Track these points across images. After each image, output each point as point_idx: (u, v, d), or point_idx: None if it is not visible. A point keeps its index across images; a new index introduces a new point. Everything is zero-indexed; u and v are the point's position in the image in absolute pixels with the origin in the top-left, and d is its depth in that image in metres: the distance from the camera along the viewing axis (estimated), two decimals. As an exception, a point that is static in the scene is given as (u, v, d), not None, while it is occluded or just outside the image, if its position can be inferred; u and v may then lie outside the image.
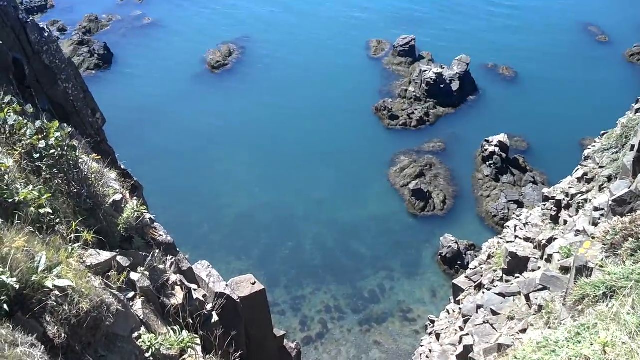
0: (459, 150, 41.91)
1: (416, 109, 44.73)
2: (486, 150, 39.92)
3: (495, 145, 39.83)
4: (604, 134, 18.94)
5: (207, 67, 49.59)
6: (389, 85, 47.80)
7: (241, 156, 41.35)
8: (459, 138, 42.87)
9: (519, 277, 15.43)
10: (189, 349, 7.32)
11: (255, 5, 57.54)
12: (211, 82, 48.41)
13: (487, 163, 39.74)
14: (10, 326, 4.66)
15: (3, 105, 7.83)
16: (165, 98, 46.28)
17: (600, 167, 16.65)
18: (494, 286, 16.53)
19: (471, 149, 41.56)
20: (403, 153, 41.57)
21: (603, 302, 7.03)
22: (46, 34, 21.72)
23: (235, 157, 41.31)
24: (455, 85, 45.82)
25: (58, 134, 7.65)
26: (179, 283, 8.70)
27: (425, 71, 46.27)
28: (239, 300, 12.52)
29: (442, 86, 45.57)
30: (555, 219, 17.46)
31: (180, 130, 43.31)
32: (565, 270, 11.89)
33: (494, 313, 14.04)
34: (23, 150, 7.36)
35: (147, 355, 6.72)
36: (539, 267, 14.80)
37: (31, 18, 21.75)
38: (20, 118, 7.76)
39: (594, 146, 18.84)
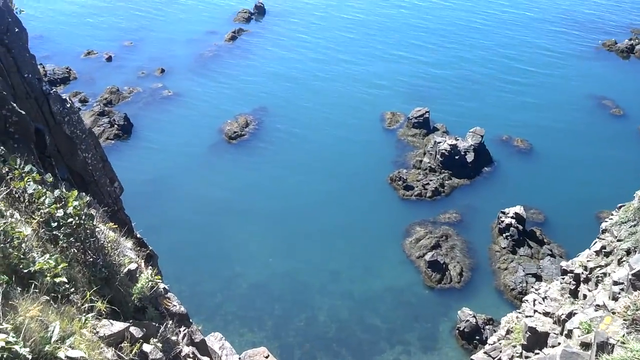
0: (475, 221, 41.66)
1: (431, 180, 44.84)
2: (502, 221, 39.65)
3: (512, 217, 39.56)
4: (621, 207, 18.82)
5: (224, 138, 50.35)
6: (403, 156, 48.14)
7: (256, 227, 41.36)
8: (475, 209, 42.70)
9: (538, 354, 15.04)
10: None
11: (271, 81, 58.89)
12: (227, 152, 49.04)
13: (504, 235, 39.39)
14: (21, 398, 4.59)
15: (23, 174, 7.97)
16: (182, 168, 46.85)
17: (619, 241, 16.45)
18: (513, 362, 16.08)
19: (487, 221, 41.31)
20: (418, 224, 41.38)
21: (627, 380, 6.81)
22: (68, 105, 22.29)
23: (249, 228, 41.32)
24: (470, 157, 46.03)
25: (76, 203, 7.74)
26: (191, 355, 8.58)
27: (439, 142, 46.63)
28: (251, 374, 12.26)
29: (456, 157, 45.80)
30: (574, 293, 17.14)
31: (196, 200, 43.59)
32: (586, 346, 11.58)
33: (513, 391, 13.61)
34: (41, 219, 7.44)
35: None
36: (559, 343, 14.43)
37: (54, 89, 22.35)
38: (40, 187, 7.88)
39: (611, 219, 18.69)
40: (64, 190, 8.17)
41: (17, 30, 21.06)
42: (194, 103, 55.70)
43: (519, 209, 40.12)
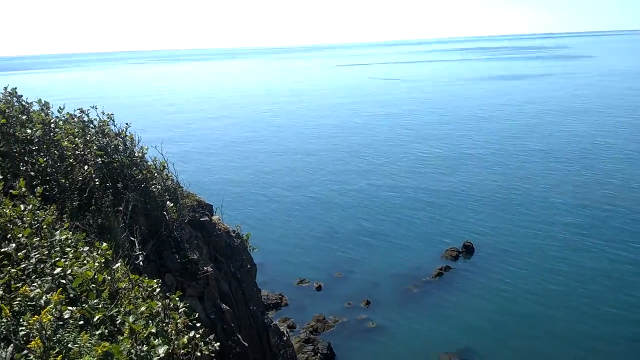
0: None
1: None
2: None
3: None
4: None
5: (426, 378, 48.62)
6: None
7: None
8: None
9: None
10: None
11: (476, 321, 56.95)
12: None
13: None
14: None
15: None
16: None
17: None
18: None
19: None
20: None
21: None
22: (285, 338, 23.32)
23: None
24: None
25: None
26: None
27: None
28: None
29: None
30: None
31: None
32: None
33: None
34: None
35: None
36: None
37: (274, 322, 23.61)
38: None
39: None
40: None
41: (249, 266, 23.31)
42: (396, 337, 55.26)
43: None
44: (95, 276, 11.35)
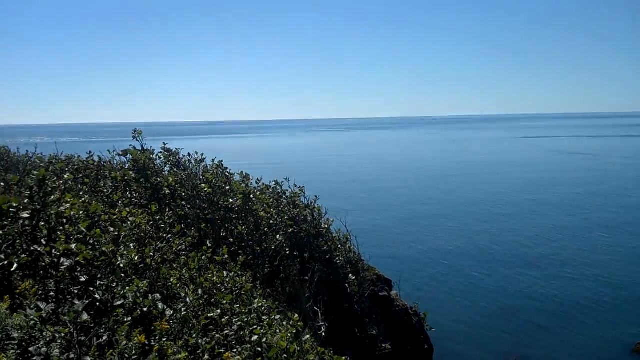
0: None
1: None
2: None
3: None
4: None
5: None
6: None
7: None
8: None
9: None
10: None
11: None
12: None
13: None
14: None
15: None
16: None
17: None
18: None
19: None
20: None
21: None
22: None
23: None
24: None
25: None
26: None
27: None
28: None
29: None
30: None
31: None
32: None
33: None
34: None
35: None
36: None
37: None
38: None
39: None
40: None
41: (426, 347, 22.83)
42: None
43: None
44: (288, 346, 11.79)
